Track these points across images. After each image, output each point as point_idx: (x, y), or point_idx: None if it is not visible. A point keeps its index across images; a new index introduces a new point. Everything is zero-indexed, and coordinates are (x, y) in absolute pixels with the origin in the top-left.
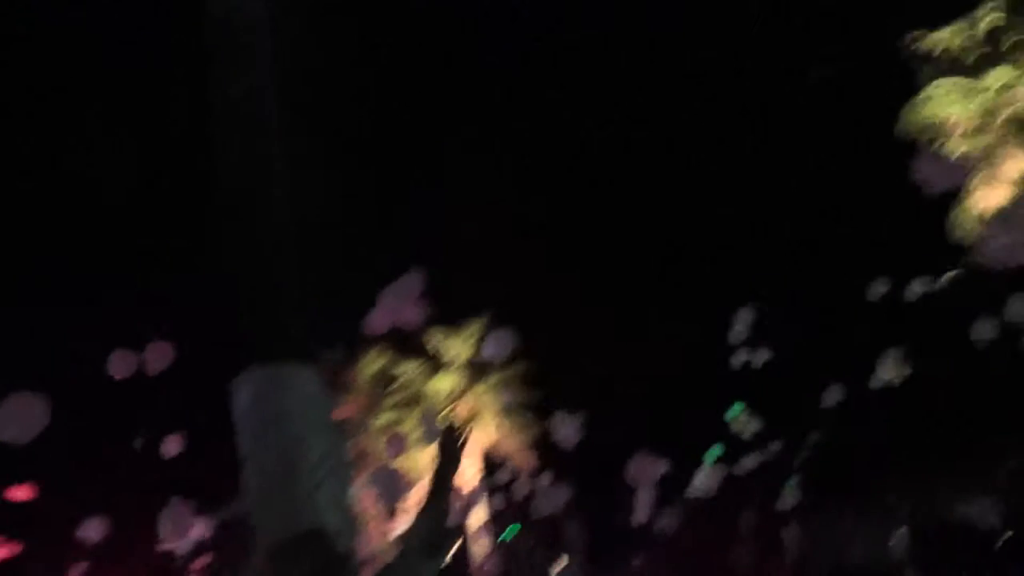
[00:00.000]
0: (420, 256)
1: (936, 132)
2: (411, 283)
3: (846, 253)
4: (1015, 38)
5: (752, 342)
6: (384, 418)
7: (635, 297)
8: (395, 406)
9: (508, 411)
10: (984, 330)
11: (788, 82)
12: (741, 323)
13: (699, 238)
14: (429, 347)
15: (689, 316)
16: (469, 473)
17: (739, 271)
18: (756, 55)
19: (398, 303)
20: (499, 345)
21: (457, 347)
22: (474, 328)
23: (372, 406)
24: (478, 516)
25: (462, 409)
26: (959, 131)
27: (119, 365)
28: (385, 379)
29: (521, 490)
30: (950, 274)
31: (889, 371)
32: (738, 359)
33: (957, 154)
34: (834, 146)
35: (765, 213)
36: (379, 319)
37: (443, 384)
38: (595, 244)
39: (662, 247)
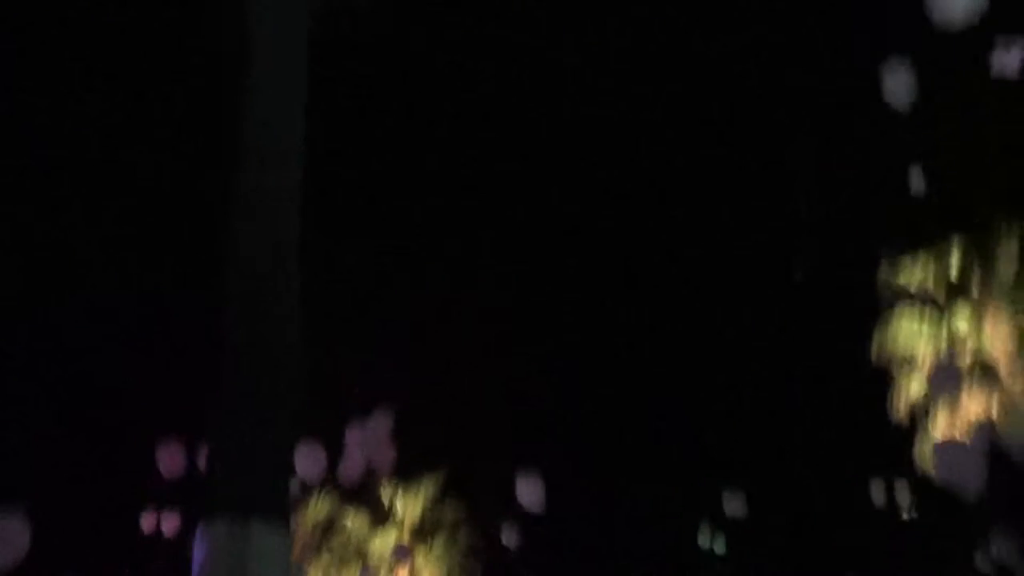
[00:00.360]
0: (383, 394)
1: (905, 361)
2: (380, 423)
3: (824, 463)
4: (980, 274)
5: (717, 529)
6: (320, 571)
7: (601, 472)
8: (334, 559)
9: None
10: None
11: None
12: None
13: (672, 418)
14: (377, 498)
15: (655, 494)
16: None
17: (714, 458)
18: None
19: (368, 446)
20: (532, 492)
21: (407, 503)
22: (427, 484)
23: (310, 555)
24: None
25: (402, 572)
26: (927, 364)
27: (168, 461)
28: (327, 527)
29: None
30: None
31: None
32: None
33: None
34: (810, 359)
35: (744, 406)
36: (351, 465)
37: (387, 541)
38: (562, 411)
39: (634, 420)
